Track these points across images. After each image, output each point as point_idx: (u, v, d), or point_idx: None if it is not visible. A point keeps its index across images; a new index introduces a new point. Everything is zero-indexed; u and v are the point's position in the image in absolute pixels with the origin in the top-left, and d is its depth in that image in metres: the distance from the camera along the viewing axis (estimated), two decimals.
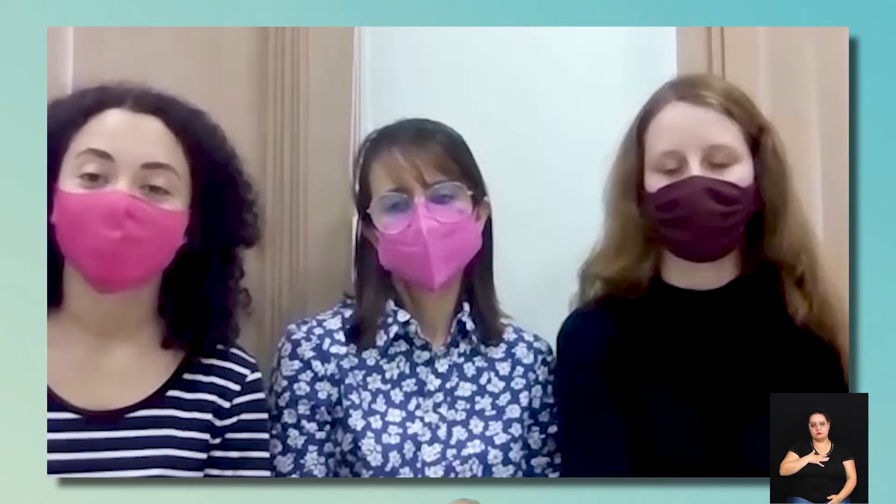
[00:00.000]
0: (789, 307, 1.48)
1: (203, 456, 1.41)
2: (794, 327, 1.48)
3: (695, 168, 1.43)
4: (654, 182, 1.46)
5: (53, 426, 1.33)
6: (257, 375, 1.47)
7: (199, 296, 1.42)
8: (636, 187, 1.49)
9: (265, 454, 1.47)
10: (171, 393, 1.40)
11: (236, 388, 1.44)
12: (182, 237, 1.38)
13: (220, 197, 1.42)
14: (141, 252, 1.33)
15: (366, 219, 1.56)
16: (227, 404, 1.43)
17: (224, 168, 1.43)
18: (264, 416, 1.48)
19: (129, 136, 1.35)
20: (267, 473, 1.46)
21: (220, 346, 1.45)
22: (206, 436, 1.41)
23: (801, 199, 1.52)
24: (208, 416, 1.41)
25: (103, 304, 1.36)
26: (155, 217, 1.33)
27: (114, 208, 1.30)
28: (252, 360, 1.48)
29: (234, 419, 1.43)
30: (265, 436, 1.48)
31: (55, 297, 1.39)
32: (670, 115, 1.47)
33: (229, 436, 1.43)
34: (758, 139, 1.48)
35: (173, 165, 1.36)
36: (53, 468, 1.33)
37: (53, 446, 1.33)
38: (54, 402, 1.34)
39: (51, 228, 1.35)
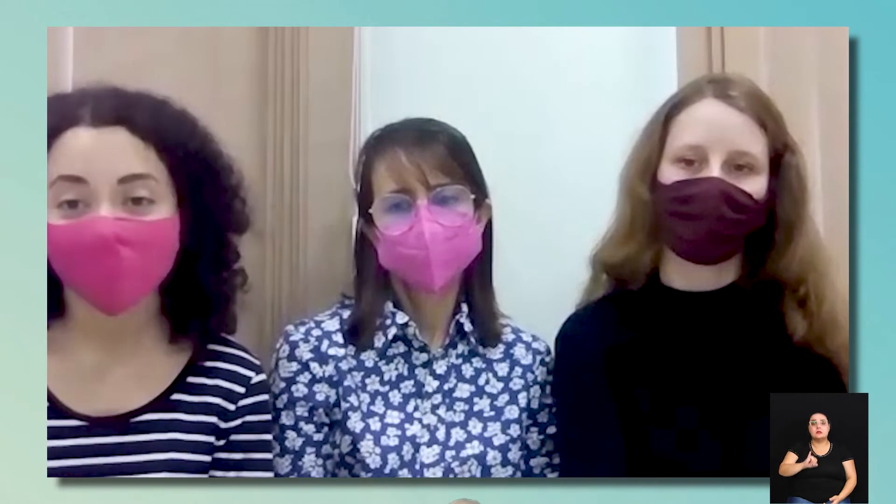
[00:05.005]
0: (788, 326, 1.47)
1: (207, 459, 1.40)
2: (791, 339, 1.47)
3: (715, 169, 1.42)
4: (670, 173, 1.46)
5: (59, 433, 1.32)
6: (262, 377, 1.46)
7: (196, 288, 1.39)
8: (651, 174, 1.49)
9: (268, 455, 1.46)
10: (175, 396, 1.39)
11: (241, 390, 1.43)
12: (178, 241, 1.36)
13: (202, 188, 1.37)
14: (141, 270, 1.31)
15: (366, 217, 1.55)
16: (232, 407, 1.42)
17: (199, 157, 1.37)
18: (268, 417, 1.47)
19: (96, 155, 1.29)
20: (270, 474, 1.46)
21: (220, 347, 1.44)
22: (210, 438, 1.40)
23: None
24: (213, 419, 1.40)
25: (108, 317, 1.33)
26: (147, 233, 1.30)
27: (102, 237, 1.27)
28: (256, 362, 1.47)
29: (238, 421, 1.42)
30: (269, 437, 1.47)
31: (58, 308, 1.37)
32: (704, 111, 1.46)
33: (234, 438, 1.42)
34: (781, 156, 1.47)
35: (150, 172, 1.31)
36: (59, 475, 1.33)
37: (59, 453, 1.32)
38: (60, 411, 1.34)
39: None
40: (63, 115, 1.32)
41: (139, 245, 1.29)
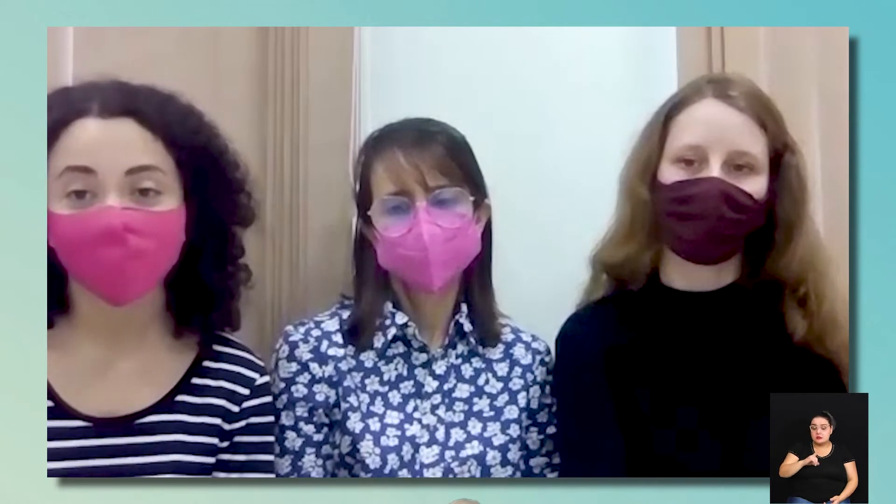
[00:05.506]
0: (788, 326, 1.47)
1: (211, 460, 1.40)
2: (791, 339, 1.47)
3: (715, 169, 1.42)
4: (670, 174, 1.46)
5: (63, 434, 1.32)
6: (266, 379, 1.46)
7: (199, 284, 1.39)
8: (651, 174, 1.49)
9: (271, 457, 1.46)
10: (179, 398, 1.39)
11: (246, 392, 1.43)
12: (183, 234, 1.36)
13: (208, 182, 1.37)
14: (148, 261, 1.31)
15: (365, 218, 1.55)
16: (236, 408, 1.42)
17: (206, 151, 1.38)
18: (272, 418, 1.47)
19: (105, 145, 1.30)
20: (272, 475, 1.46)
21: (224, 348, 1.44)
22: (214, 440, 1.40)
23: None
24: (217, 421, 1.40)
25: (113, 311, 1.34)
26: (154, 223, 1.30)
27: (110, 227, 1.27)
28: (260, 364, 1.47)
29: (243, 423, 1.42)
30: (272, 438, 1.47)
31: (62, 304, 1.37)
32: (704, 111, 1.46)
33: (238, 439, 1.42)
34: (781, 156, 1.47)
35: (157, 164, 1.32)
36: (62, 476, 1.32)
37: (63, 455, 1.32)
38: (64, 411, 1.34)
39: (51, 250, 1.32)
40: (71, 106, 1.32)
41: (147, 235, 1.30)
